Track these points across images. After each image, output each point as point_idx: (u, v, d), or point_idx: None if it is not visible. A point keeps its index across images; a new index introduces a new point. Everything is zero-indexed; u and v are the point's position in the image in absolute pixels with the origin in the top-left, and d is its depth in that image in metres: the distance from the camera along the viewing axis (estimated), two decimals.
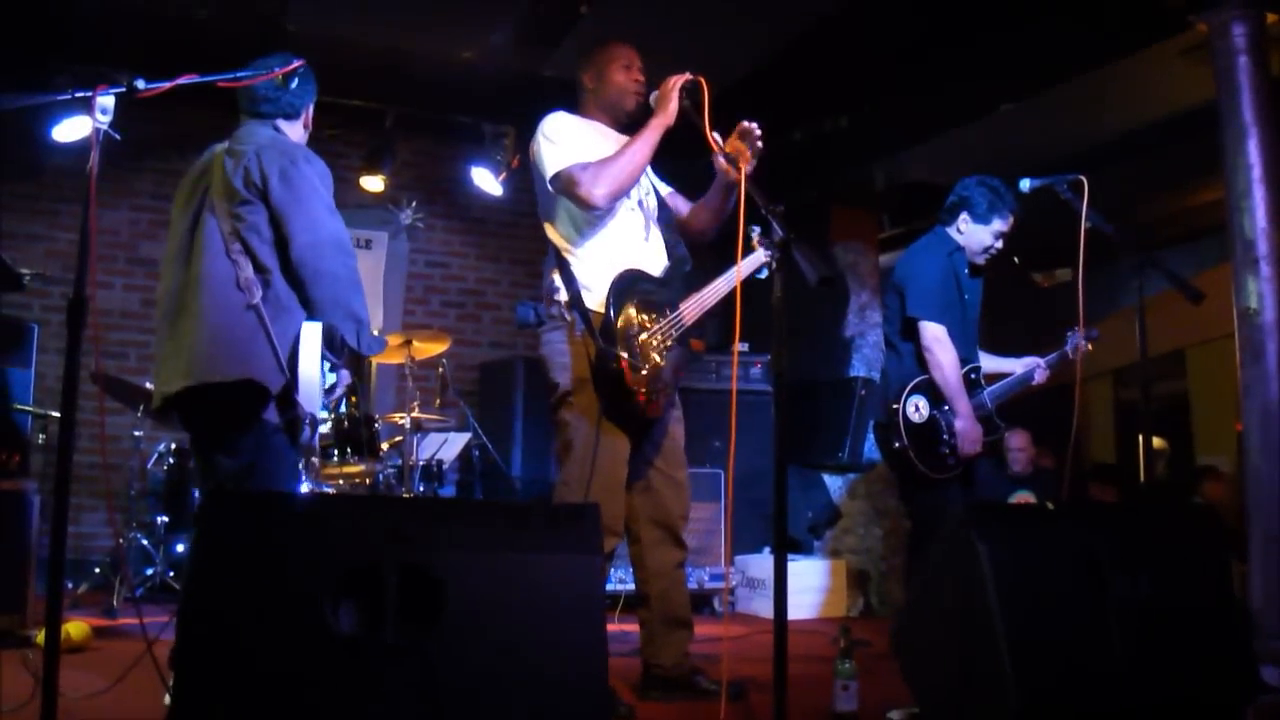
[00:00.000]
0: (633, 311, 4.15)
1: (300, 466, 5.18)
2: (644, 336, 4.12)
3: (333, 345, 3.84)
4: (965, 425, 4.96)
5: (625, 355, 4.03)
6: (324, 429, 6.26)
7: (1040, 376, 5.35)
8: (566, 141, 4.22)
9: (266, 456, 3.76)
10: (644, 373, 4.09)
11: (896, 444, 4.98)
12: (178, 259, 3.89)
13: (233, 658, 2.43)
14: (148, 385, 6.70)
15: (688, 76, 4.11)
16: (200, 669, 2.42)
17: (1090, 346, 5.32)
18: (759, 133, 3.96)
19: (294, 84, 3.99)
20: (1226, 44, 5.19)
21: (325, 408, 6.72)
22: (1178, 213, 9.20)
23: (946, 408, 5.01)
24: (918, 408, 5.01)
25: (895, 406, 5.01)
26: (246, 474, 3.73)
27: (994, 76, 6.84)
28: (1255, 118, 5.10)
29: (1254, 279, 5.04)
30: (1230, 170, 5.16)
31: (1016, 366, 5.37)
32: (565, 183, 4.14)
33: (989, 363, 5.37)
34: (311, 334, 3.78)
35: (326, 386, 3.97)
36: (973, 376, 5.15)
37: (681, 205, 4.61)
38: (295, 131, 4.07)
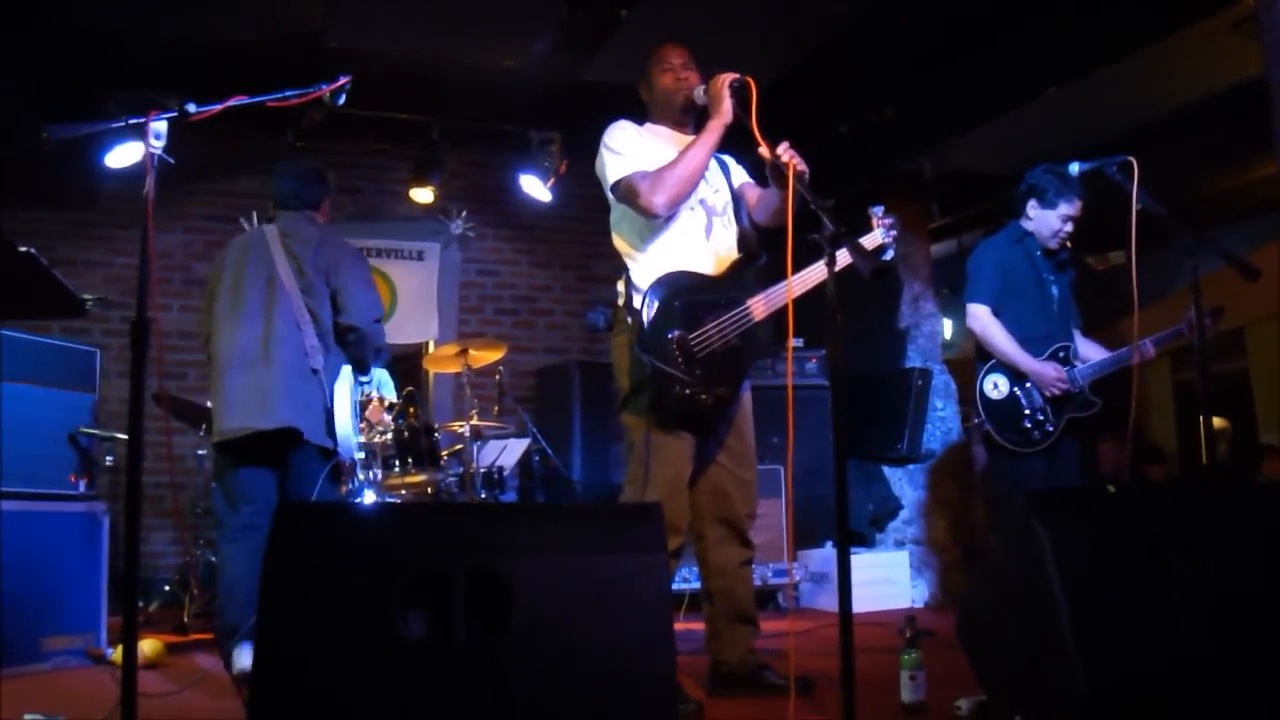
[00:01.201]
0: (674, 313, 4.11)
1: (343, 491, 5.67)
2: (692, 337, 4.10)
3: (363, 369, 5.34)
4: (1036, 369, 5.17)
5: (655, 361, 4.02)
6: (385, 438, 6.32)
7: (1148, 352, 5.30)
8: (628, 150, 4.24)
9: (317, 485, 4.84)
10: (684, 375, 4.05)
11: (976, 420, 5.27)
12: (254, 314, 4.92)
13: (306, 665, 2.47)
14: (209, 404, 6.82)
15: (735, 76, 4.12)
16: (275, 677, 2.46)
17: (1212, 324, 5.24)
18: (800, 166, 3.91)
19: (314, 182, 5.29)
20: (1275, 16, 5.13)
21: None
22: (1230, 190, 9.10)
23: (1028, 384, 5.21)
24: (996, 385, 5.26)
25: (978, 383, 5.27)
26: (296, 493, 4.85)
27: (1039, 60, 6.79)
28: None
29: None
30: None
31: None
32: (626, 191, 4.19)
33: (1090, 350, 5.44)
34: (343, 392, 5.17)
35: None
36: (1061, 354, 5.27)
37: (753, 196, 4.58)
38: (321, 219, 5.29)
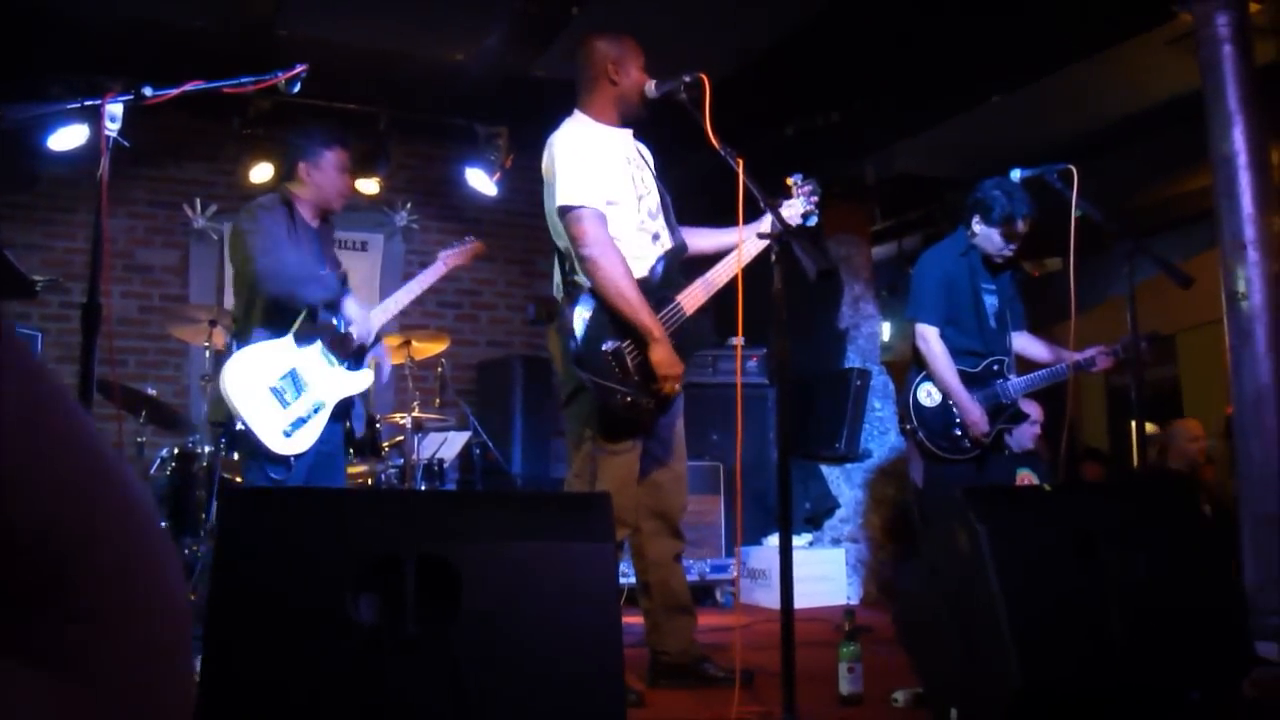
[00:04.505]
0: (606, 325, 4.09)
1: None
2: (625, 345, 4.09)
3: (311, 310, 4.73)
4: (965, 407, 5.21)
5: (593, 378, 4.03)
6: None
7: (1103, 363, 5.40)
8: (583, 167, 4.16)
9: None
10: (622, 386, 4.06)
11: (908, 425, 5.33)
12: None
13: (256, 651, 2.48)
14: (150, 391, 6.76)
15: (679, 373, 4.16)
16: (224, 662, 2.48)
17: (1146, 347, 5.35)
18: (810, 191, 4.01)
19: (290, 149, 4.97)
20: (1211, 33, 5.27)
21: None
22: (1167, 200, 9.27)
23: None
24: (929, 393, 5.32)
25: (910, 391, 5.33)
26: None
27: (984, 69, 6.90)
28: (1240, 105, 5.17)
29: (1241, 264, 5.12)
30: (1216, 157, 5.23)
31: (1064, 354, 5.42)
32: (571, 222, 4.11)
33: (1033, 348, 5.54)
34: (243, 363, 4.58)
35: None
36: (995, 368, 5.34)
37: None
38: (296, 188, 4.86)
